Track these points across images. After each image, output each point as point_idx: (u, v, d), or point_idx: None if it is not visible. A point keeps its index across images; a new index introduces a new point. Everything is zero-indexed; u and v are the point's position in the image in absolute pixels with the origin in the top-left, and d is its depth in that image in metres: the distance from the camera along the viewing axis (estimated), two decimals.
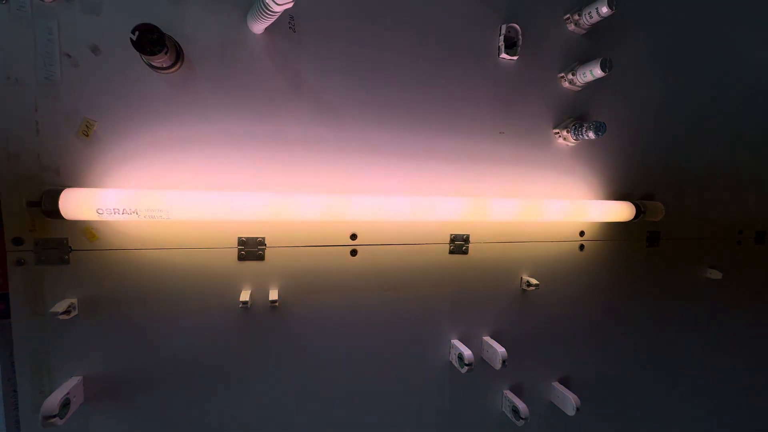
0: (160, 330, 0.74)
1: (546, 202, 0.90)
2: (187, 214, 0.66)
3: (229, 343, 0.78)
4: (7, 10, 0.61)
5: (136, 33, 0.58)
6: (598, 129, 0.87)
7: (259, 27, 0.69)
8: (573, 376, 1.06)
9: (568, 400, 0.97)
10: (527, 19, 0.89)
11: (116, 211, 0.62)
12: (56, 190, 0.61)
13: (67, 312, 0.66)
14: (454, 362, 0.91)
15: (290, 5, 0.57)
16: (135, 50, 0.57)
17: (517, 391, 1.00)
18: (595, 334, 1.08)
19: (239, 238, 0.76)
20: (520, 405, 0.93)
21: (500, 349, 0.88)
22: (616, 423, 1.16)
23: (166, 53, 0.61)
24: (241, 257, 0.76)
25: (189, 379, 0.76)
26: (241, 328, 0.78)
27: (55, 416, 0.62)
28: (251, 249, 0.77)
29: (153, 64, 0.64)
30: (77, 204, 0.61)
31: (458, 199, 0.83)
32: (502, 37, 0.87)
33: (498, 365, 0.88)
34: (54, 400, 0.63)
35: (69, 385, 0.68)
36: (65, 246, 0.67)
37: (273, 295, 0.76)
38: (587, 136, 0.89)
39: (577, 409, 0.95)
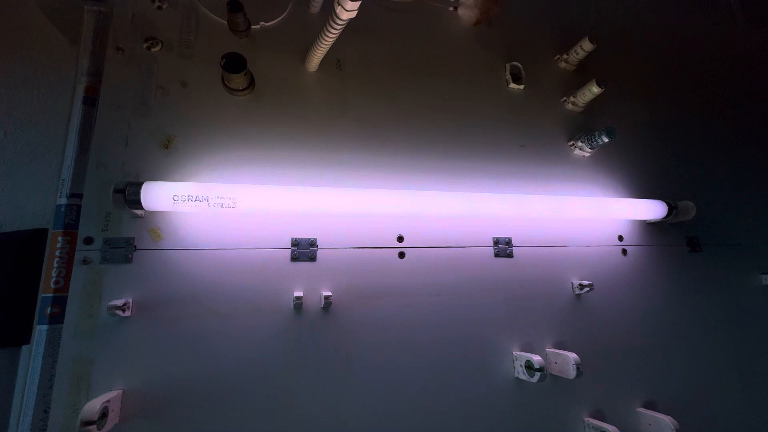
0: (209, 335, 0.70)
1: (577, 199, 0.94)
2: (251, 202, 0.70)
3: (279, 348, 0.72)
4: (122, 57, 0.78)
5: (224, 59, 0.73)
6: (610, 132, 0.97)
7: (314, 64, 0.86)
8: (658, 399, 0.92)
9: (665, 424, 0.82)
10: (525, 59, 1.08)
11: (189, 197, 0.66)
12: (139, 182, 0.67)
13: (122, 309, 0.65)
14: (521, 376, 0.81)
15: (354, 14, 0.70)
16: (221, 71, 0.71)
17: (600, 417, 0.86)
18: (655, 347, 0.98)
19: (292, 239, 0.78)
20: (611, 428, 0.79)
21: (571, 354, 0.80)
22: None
23: (245, 74, 0.75)
24: (294, 258, 0.77)
25: (235, 391, 0.69)
26: (292, 333, 0.73)
27: (94, 423, 0.55)
28: (303, 250, 0.78)
29: (230, 86, 0.78)
30: (157, 192, 0.66)
31: (498, 195, 0.88)
32: (507, 72, 1.05)
33: (572, 373, 0.78)
34: (94, 405, 0.57)
35: (109, 395, 0.62)
36: (131, 245, 0.70)
37: (326, 291, 0.74)
38: (601, 140, 0.98)
39: (677, 430, 0.80)
